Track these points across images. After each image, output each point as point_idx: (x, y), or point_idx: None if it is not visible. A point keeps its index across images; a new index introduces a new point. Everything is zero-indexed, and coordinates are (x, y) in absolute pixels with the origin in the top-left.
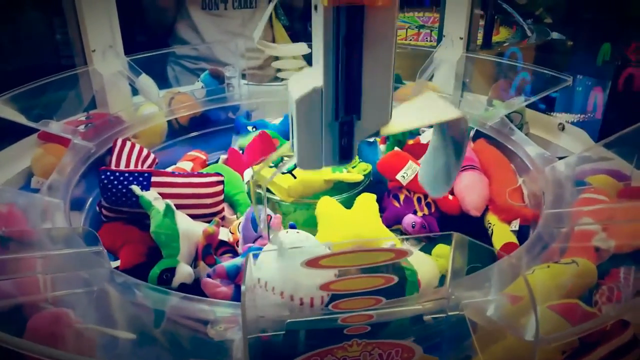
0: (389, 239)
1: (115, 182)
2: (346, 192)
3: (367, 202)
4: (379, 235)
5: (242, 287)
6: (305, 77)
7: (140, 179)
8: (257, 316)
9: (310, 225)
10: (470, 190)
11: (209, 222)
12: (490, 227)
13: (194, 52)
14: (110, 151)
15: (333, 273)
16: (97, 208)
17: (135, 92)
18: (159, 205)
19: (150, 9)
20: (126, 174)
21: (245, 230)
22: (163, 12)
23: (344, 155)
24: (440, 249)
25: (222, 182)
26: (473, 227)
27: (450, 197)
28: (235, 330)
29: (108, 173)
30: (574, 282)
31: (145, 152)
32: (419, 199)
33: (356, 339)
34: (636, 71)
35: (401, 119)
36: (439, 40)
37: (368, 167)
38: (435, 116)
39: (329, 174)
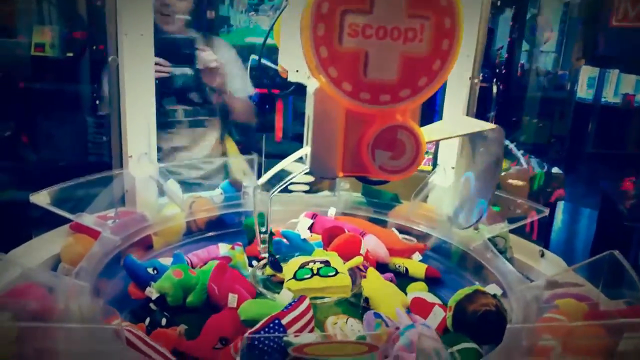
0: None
1: (272, 349)
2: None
3: (376, 275)
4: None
5: None
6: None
7: (281, 329)
8: None
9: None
10: (377, 248)
11: None
12: (400, 266)
13: None
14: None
15: None
16: None
17: (161, 192)
18: None
19: None
20: (272, 337)
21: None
22: None
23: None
24: (414, 286)
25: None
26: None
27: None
28: None
29: (266, 341)
30: None
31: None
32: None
33: None
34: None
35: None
36: (434, 165)
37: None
38: (471, 127)
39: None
